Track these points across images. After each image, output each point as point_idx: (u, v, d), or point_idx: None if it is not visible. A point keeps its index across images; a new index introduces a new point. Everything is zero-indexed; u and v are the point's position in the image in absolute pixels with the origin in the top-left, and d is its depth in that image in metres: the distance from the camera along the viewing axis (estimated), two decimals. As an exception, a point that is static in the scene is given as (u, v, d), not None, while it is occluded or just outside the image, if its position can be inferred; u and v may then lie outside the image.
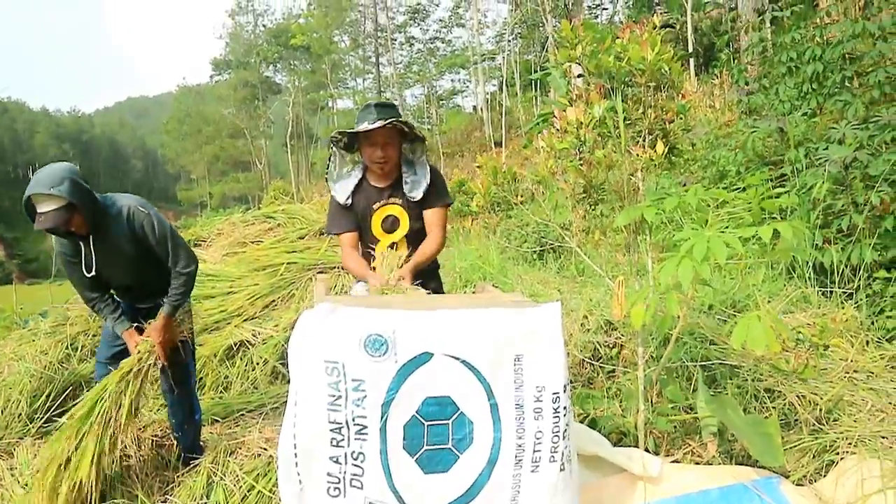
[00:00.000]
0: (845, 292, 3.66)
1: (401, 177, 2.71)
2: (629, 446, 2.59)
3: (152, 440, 3.04)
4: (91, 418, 2.55)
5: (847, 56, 5.60)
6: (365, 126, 2.52)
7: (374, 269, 2.50)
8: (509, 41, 31.25)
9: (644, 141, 2.42)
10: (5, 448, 3.25)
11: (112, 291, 2.91)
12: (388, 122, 2.51)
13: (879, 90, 4.91)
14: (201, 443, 3.13)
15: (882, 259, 3.72)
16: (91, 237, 2.65)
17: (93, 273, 2.67)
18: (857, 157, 3.87)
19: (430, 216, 2.72)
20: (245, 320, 4.77)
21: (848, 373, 2.93)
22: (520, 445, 1.71)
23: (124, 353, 2.82)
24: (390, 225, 2.72)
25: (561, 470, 1.75)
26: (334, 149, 2.75)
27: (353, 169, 2.78)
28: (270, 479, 2.79)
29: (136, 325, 2.85)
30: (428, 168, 2.72)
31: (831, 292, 3.68)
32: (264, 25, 43.97)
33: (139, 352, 2.72)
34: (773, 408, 2.76)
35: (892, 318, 3.31)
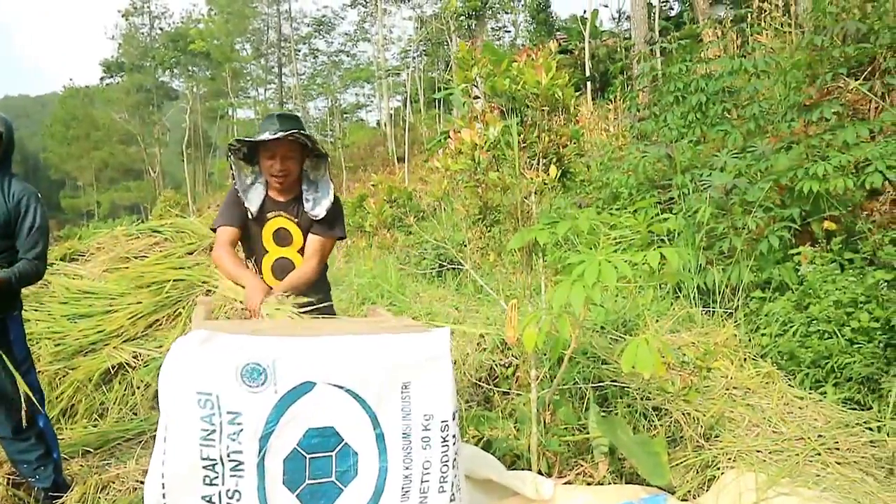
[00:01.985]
0: (726, 311, 3.86)
1: (301, 194, 2.59)
2: (523, 468, 2.59)
3: (7, 478, 2.73)
4: None
5: (727, 89, 5.99)
6: (266, 136, 2.40)
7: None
8: (414, 58, 31.54)
9: (538, 164, 2.45)
10: None
11: None
12: (289, 133, 2.39)
13: (755, 123, 5.28)
14: (66, 478, 2.85)
15: (758, 280, 3.96)
16: None
17: None
18: (737, 184, 4.12)
19: (315, 242, 2.57)
20: (125, 341, 4.44)
21: (728, 389, 3.07)
22: (407, 476, 1.65)
23: None
24: (281, 238, 2.59)
25: (451, 500, 1.70)
26: (232, 159, 2.59)
27: (255, 181, 2.63)
28: (144, 516, 2.58)
29: None
30: (331, 188, 2.60)
31: (714, 311, 3.87)
32: (161, 28, 42.13)
33: None
34: (661, 425, 2.84)
35: (766, 336, 3.51)
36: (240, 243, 2.66)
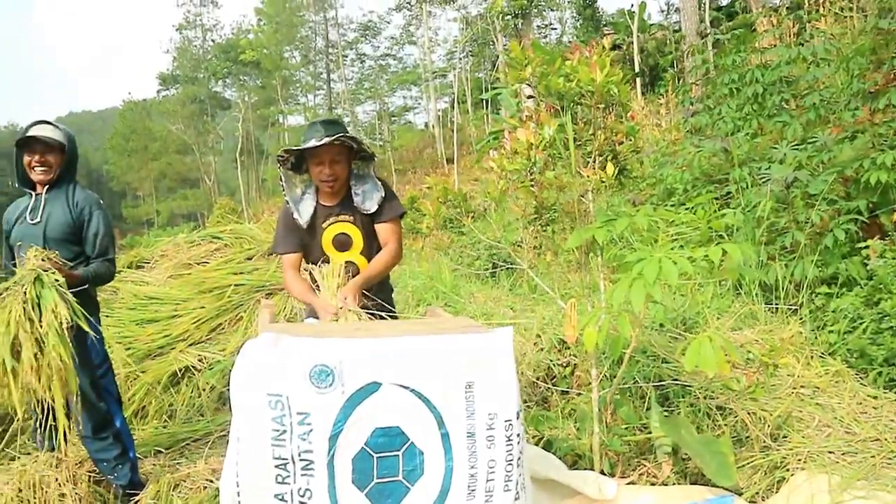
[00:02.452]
0: (790, 308, 3.75)
1: (350, 192, 2.63)
2: (584, 468, 2.57)
3: (89, 476, 2.86)
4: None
5: (784, 79, 5.81)
6: (312, 143, 2.45)
7: (318, 288, 2.40)
8: (460, 59, 31.57)
9: (594, 162, 2.43)
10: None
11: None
12: (334, 138, 2.44)
13: (815, 112, 5.09)
14: (141, 477, 2.98)
15: (823, 275, 3.83)
16: (46, 190, 2.84)
17: (37, 220, 2.77)
18: (798, 176, 3.99)
19: (384, 230, 2.62)
20: (190, 345, 4.61)
21: (795, 388, 2.98)
22: (472, 475, 1.66)
23: None
24: (342, 243, 2.63)
25: (515, 499, 1.71)
26: (282, 170, 2.66)
27: (305, 191, 2.69)
28: (217, 513, 2.67)
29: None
30: (378, 180, 2.64)
31: (777, 308, 3.76)
32: (213, 40, 43.28)
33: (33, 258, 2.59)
34: (725, 425, 2.78)
35: (833, 333, 3.40)
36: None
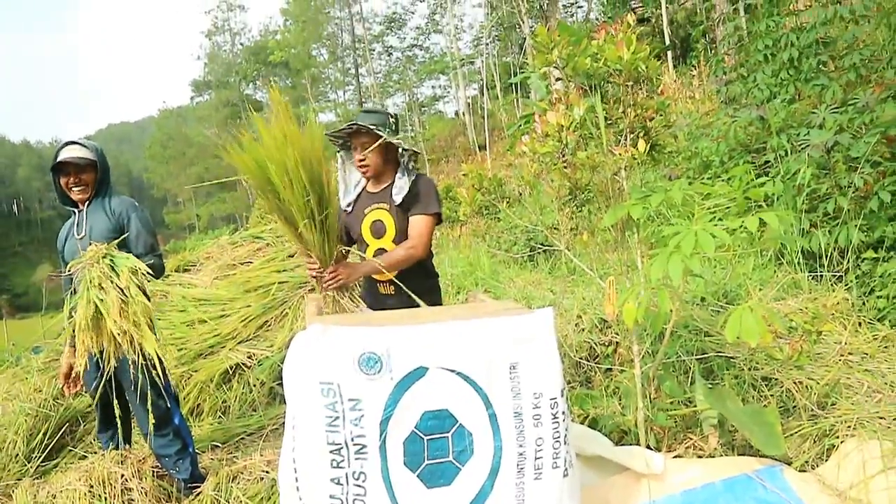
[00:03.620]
0: (835, 275, 3.68)
1: (394, 182, 2.69)
2: (630, 444, 2.59)
3: (153, 471, 3.00)
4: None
5: (821, 41, 5.64)
6: (340, 128, 2.62)
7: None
8: (487, 44, 31.33)
9: (626, 140, 2.43)
10: (3, 490, 3.21)
11: None
12: (349, 124, 2.57)
13: (855, 73, 4.94)
14: (201, 470, 3.10)
15: (869, 240, 3.75)
16: (87, 205, 2.95)
17: (82, 235, 2.90)
18: (839, 140, 3.90)
19: (412, 223, 2.65)
20: (239, 343, 4.74)
21: (843, 356, 2.94)
22: (521, 454, 1.70)
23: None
24: (377, 230, 2.70)
25: (564, 475, 1.75)
26: (341, 153, 2.78)
27: (361, 178, 2.80)
28: (275, 502, 2.77)
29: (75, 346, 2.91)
30: (414, 175, 2.68)
31: (821, 276, 3.70)
32: (242, 44, 43.95)
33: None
34: (771, 396, 2.77)
35: (882, 299, 3.33)
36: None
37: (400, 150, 2.66)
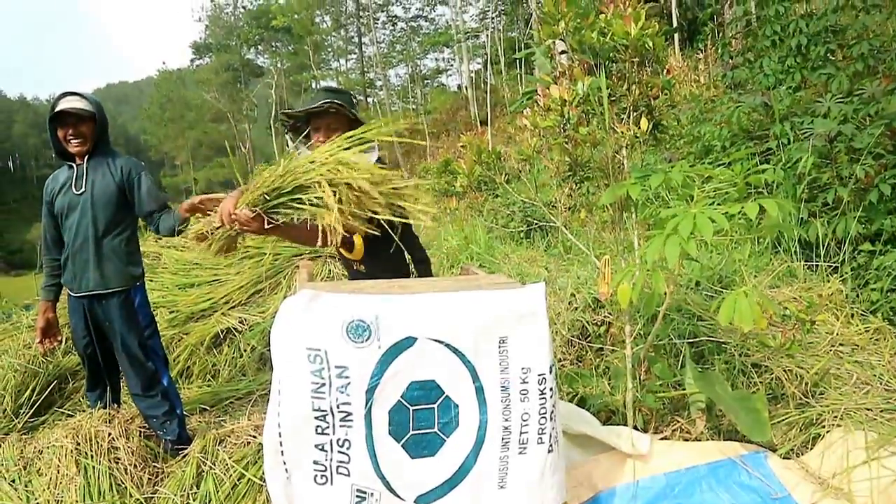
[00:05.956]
0: (831, 266, 3.67)
1: None
2: (618, 424, 2.59)
3: (140, 431, 3.00)
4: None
5: (830, 29, 5.58)
6: (299, 107, 2.41)
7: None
8: (493, 18, 30.98)
9: (629, 118, 2.40)
10: (-10, 443, 3.21)
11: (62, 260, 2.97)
12: (323, 103, 2.35)
13: (863, 63, 4.89)
14: (188, 433, 3.11)
15: (866, 232, 3.74)
16: (87, 160, 2.90)
17: (83, 189, 2.85)
18: (842, 130, 3.87)
19: None
20: (232, 308, 4.73)
21: (833, 346, 2.94)
22: (506, 428, 1.70)
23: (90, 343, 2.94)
24: None
25: (549, 451, 1.75)
26: (289, 135, 2.58)
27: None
28: (260, 467, 2.76)
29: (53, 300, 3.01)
30: (375, 155, 2.40)
31: (817, 266, 3.69)
32: (244, 7, 43.26)
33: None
34: (760, 382, 2.77)
35: (876, 291, 3.33)
36: None
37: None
